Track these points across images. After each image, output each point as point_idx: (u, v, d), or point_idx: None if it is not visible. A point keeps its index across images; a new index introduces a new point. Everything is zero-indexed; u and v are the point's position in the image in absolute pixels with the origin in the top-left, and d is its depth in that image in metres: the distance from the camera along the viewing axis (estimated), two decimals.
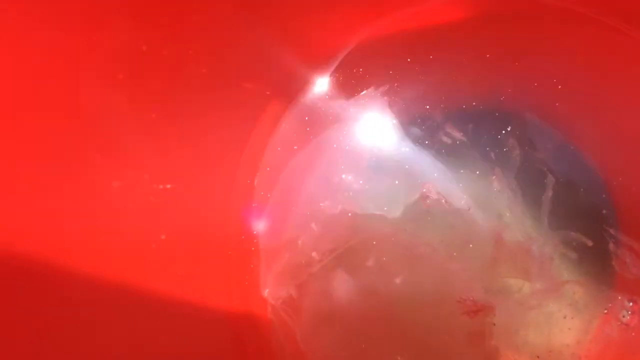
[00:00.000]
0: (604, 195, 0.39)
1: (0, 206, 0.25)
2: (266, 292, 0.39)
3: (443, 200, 0.40)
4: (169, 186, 0.32)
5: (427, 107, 0.42)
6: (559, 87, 0.39)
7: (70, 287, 0.27)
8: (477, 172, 0.40)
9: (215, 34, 0.33)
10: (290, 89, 0.40)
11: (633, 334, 0.37)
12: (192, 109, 0.33)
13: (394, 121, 0.41)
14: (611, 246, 0.38)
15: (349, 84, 0.41)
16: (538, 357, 0.38)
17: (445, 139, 0.41)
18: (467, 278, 0.39)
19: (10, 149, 0.26)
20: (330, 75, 0.41)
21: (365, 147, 0.41)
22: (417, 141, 0.41)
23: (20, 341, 0.25)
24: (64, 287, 0.27)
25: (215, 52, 0.33)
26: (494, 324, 0.38)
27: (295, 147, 0.41)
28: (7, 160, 0.25)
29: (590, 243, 0.38)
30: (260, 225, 0.40)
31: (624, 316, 0.37)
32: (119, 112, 0.29)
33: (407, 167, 0.41)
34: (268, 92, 0.39)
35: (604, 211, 0.39)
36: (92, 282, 0.28)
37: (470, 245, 0.39)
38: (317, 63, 0.41)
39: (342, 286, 0.39)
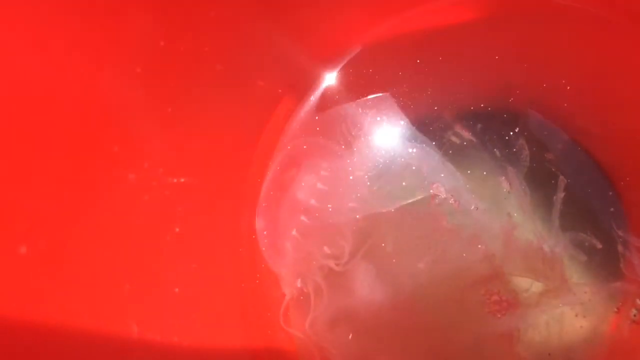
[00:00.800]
0: (612, 196, 0.40)
1: (19, 194, 0.25)
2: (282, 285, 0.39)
3: (451, 200, 0.40)
4: (182, 180, 0.33)
5: (436, 107, 0.42)
6: (568, 87, 0.40)
7: (82, 278, 0.28)
8: (485, 173, 0.41)
9: (230, 32, 0.34)
10: (300, 88, 0.41)
11: None
12: (206, 104, 0.34)
13: (403, 121, 0.42)
14: (620, 246, 0.39)
15: (359, 84, 0.42)
16: (550, 354, 0.38)
17: (453, 139, 0.42)
18: (476, 278, 0.39)
19: (31, 138, 0.26)
20: (340, 75, 0.42)
21: (374, 147, 0.41)
22: (426, 141, 0.41)
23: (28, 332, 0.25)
24: (74, 278, 0.27)
25: (230, 49, 0.34)
26: (519, 330, 0.38)
27: (304, 147, 0.41)
28: (27, 150, 0.26)
29: (599, 245, 0.38)
30: (269, 225, 0.40)
31: (634, 315, 0.38)
32: (137, 105, 0.30)
33: (414, 167, 0.41)
34: (280, 90, 0.39)
35: (612, 209, 0.39)
36: (106, 273, 0.28)
37: (479, 245, 0.40)
38: (328, 63, 0.41)
39: (356, 284, 0.40)
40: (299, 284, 0.40)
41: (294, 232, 0.41)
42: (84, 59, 0.27)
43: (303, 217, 0.41)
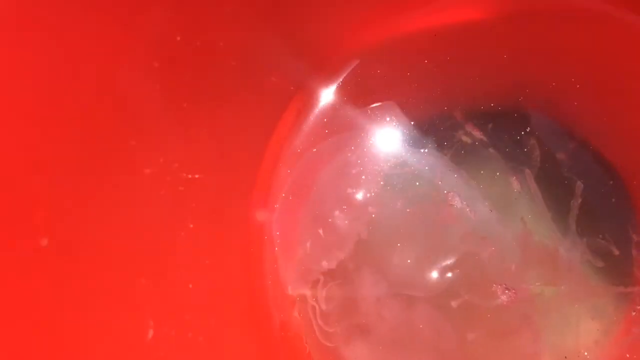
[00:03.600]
0: (625, 197, 0.40)
1: (40, 189, 0.26)
2: (289, 289, 0.40)
3: (465, 204, 0.40)
4: (197, 176, 0.33)
5: (445, 108, 0.42)
6: (578, 86, 0.40)
7: (100, 271, 0.28)
8: (496, 173, 0.41)
9: (244, 27, 0.35)
10: (311, 88, 0.42)
11: None
12: (220, 100, 0.35)
13: (412, 122, 0.42)
14: (634, 250, 0.39)
15: (367, 86, 0.42)
16: (566, 357, 0.38)
17: (464, 139, 0.42)
18: (493, 281, 0.40)
19: (51, 133, 0.27)
20: (350, 76, 0.42)
21: (383, 148, 0.42)
22: (435, 142, 0.42)
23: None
24: (92, 271, 0.28)
25: (244, 45, 0.35)
26: (520, 325, 0.39)
27: (314, 150, 0.42)
28: (47, 144, 0.26)
29: (616, 251, 0.39)
30: (279, 226, 0.41)
31: None
32: (153, 99, 0.30)
33: (426, 168, 0.41)
34: (292, 88, 0.40)
35: (625, 211, 0.40)
36: (123, 267, 0.29)
37: (493, 248, 0.40)
38: (338, 63, 0.42)
39: (365, 290, 0.40)
40: (306, 289, 0.40)
41: (304, 236, 0.41)
42: (102, 52, 0.28)
43: (313, 221, 0.41)
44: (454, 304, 0.39)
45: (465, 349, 0.39)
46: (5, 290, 0.24)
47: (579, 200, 0.40)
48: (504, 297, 0.39)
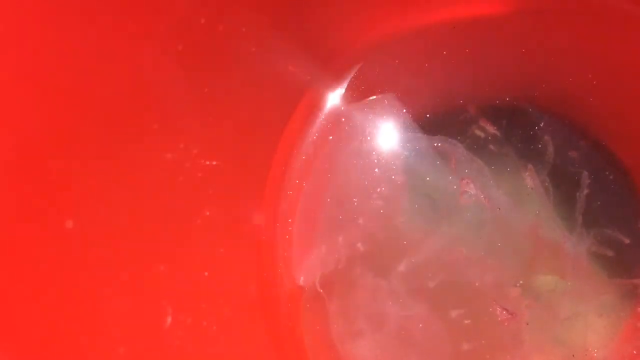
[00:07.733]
0: (636, 194, 0.41)
1: (67, 171, 0.26)
2: (301, 280, 0.40)
3: (482, 196, 0.41)
4: (214, 163, 0.34)
5: (461, 101, 0.43)
6: (594, 82, 0.41)
7: (122, 254, 0.28)
8: (509, 168, 0.42)
9: (265, 14, 0.35)
10: (328, 77, 0.42)
11: None
12: (239, 87, 0.35)
13: (428, 114, 0.43)
14: None
15: (384, 76, 0.43)
16: (573, 356, 0.39)
17: (478, 133, 0.43)
18: (501, 277, 0.40)
19: (72, 113, 0.27)
20: (367, 66, 0.43)
21: (399, 139, 0.42)
22: (450, 135, 0.42)
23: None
24: (115, 254, 0.28)
25: (265, 31, 0.35)
26: (527, 324, 0.39)
27: (330, 137, 0.42)
28: (74, 125, 0.27)
29: (626, 240, 0.40)
30: (291, 214, 0.41)
31: None
32: (176, 83, 0.31)
33: (439, 162, 0.42)
34: (309, 77, 0.40)
35: (636, 208, 0.41)
36: (145, 251, 0.29)
37: (504, 242, 0.40)
38: (355, 52, 0.42)
39: (370, 287, 0.40)
40: (315, 283, 0.40)
41: (317, 227, 0.41)
42: (127, 32, 0.28)
43: (327, 211, 0.41)
44: (455, 312, 0.40)
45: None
46: (29, 270, 0.24)
47: (589, 196, 0.41)
48: (505, 315, 0.39)
